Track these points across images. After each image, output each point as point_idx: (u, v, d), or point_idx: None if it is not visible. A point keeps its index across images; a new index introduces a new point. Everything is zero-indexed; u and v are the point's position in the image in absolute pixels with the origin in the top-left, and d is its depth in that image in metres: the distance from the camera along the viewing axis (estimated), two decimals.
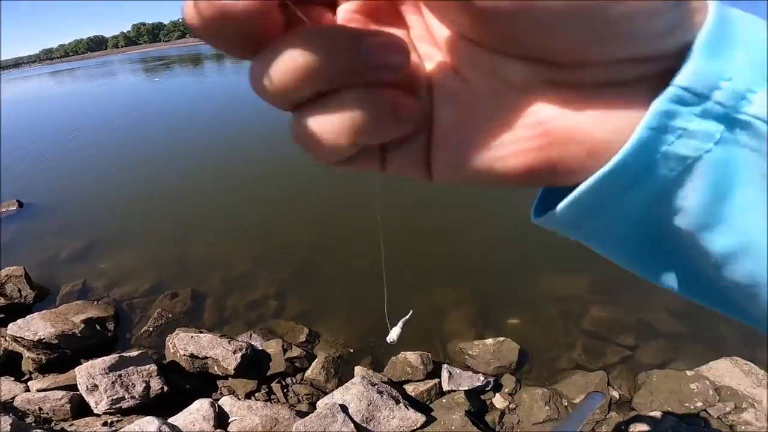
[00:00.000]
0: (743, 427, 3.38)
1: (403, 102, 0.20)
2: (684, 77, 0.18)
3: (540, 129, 0.20)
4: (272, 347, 4.03)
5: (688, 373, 3.89)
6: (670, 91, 0.18)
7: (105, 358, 3.41)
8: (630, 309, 5.01)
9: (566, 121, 0.19)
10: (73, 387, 3.36)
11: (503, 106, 0.20)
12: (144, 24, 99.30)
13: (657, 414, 3.37)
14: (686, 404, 3.59)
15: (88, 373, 3.28)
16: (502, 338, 4.21)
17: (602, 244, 0.28)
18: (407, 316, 3.09)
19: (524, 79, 0.20)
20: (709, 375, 3.88)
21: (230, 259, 5.55)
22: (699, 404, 3.56)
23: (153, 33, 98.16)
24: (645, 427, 3.25)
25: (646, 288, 5.43)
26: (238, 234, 6.20)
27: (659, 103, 0.18)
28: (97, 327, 4.26)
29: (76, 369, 3.36)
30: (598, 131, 0.19)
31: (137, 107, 15.94)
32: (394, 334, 3.36)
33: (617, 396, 3.81)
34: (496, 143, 0.20)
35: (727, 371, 3.85)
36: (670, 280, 0.28)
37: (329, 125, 0.19)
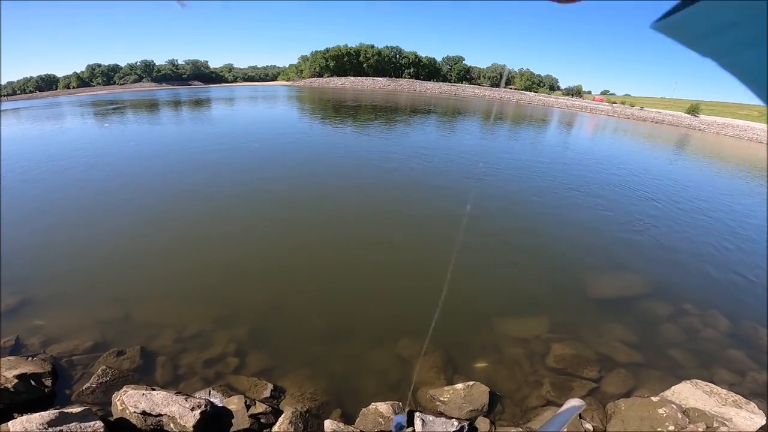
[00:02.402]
0: None
1: None
2: None
3: None
4: (234, 403, 3.76)
5: (654, 399, 4.02)
6: None
7: (43, 413, 3.08)
8: (588, 344, 5.28)
9: None
10: None
11: None
12: (99, 65, 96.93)
13: None
14: (659, 429, 3.68)
15: (24, 427, 2.94)
16: (471, 382, 4.22)
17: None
18: None
19: None
20: (674, 399, 4.05)
21: (182, 318, 5.28)
22: (671, 428, 3.67)
23: (108, 75, 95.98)
24: None
25: (597, 322, 5.78)
26: (189, 295, 5.95)
27: None
28: (32, 383, 3.87)
29: (10, 423, 3.01)
30: None
31: (81, 155, 15.23)
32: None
33: (591, 428, 3.86)
34: None
35: (690, 393, 4.03)
36: None
37: None
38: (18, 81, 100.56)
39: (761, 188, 17.55)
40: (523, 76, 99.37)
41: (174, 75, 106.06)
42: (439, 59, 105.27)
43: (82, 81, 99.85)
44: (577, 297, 6.48)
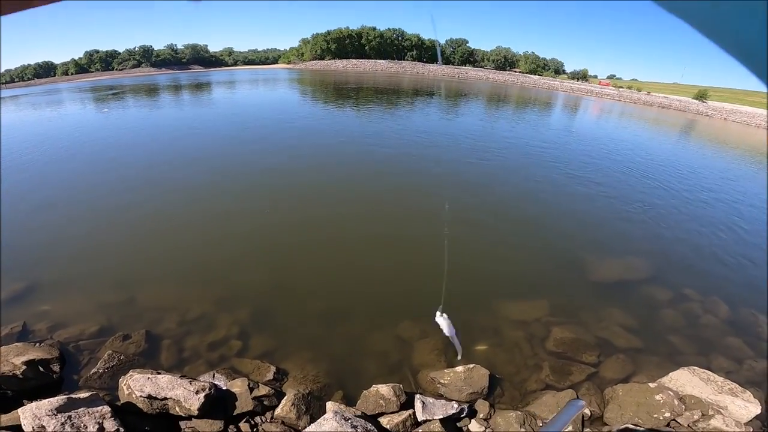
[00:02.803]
0: None
1: None
2: None
3: None
4: (237, 386, 3.83)
5: (651, 385, 4.06)
6: None
7: (51, 399, 3.13)
8: (588, 328, 5.31)
9: None
10: (17, 428, 3.06)
11: None
12: (97, 51, 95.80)
13: (629, 427, 3.47)
14: (655, 415, 3.72)
15: (33, 414, 3.00)
16: (471, 365, 4.26)
17: None
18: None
19: None
20: (671, 385, 4.08)
21: (186, 301, 5.34)
22: (667, 414, 3.70)
23: (106, 60, 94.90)
24: None
25: (598, 306, 5.80)
26: (192, 278, 6.01)
27: None
28: (41, 368, 3.93)
29: (20, 410, 3.06)
30: None
31: (83, 141, 15.19)
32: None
33: (588, 413, 3.92)
34: None
35: (687, 380, 4.05)
36: None
37: None
38: (15, 69, 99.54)
39: (762, 172, 17.41)
40: (528, 59, 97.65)
41: (173, 60, 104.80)
42: (442, 42, 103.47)
43: (81, 67, 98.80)
44: (577, 280, 6.49)
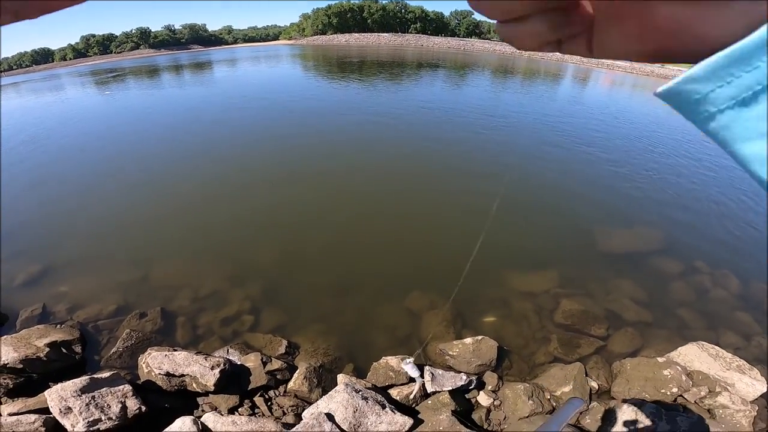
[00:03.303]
0: (721, 411, 3.53)
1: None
2: None
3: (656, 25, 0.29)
4: (251, 361, 3.93)
5: (660, 359, 4.05)
6: None
7: (75, 380, 3.25)
8: (597, 300, 5.29)
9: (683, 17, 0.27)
10: (44, 410, 3.20)
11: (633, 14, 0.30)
12: (93, 35, 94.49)
13: (636, 402, 3.49)
14: (662, 390, 3.72)
15: (59, 395, 3.12)
16: (480, 337, 4.29)
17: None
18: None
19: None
20: (680, 360, 4.06)
21: (198, 278, 5.42)
22: (674, 390, 3.70)
23: (103, 44, 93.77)
24: (627, 415, 3.33)
25: (607, 278, 5.77)
26: (203, 254, 6.07)
27: None
28: (63, 350, 4.05)
29: (46, 392, 3.19)
30: (712, 30, 0.27)
31: (87, 123, 15.19)
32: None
33: (596, 386, 3.95)
34: (629, 35, 0.31)
35: (696, 356, 4.02)
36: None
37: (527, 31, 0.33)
38: (13, 56, 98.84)
39: None
40: None
41: (172, 40, 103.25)
42: (447, 14, 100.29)
43: (78, 52, 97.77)
44: (586, 251, 6.45)
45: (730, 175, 10.94)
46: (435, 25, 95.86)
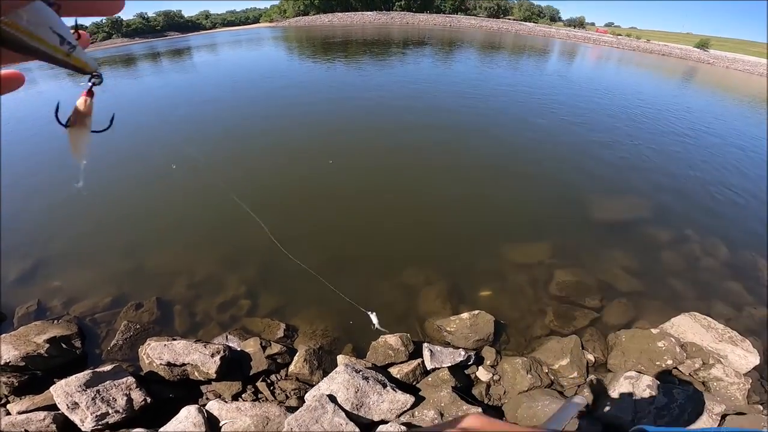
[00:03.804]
0: (715, 383, 3.60)
1: None
2: None
3: None
4: (251, 346, 3.94)
5: (653, 331, 4.10)
6: None
7: (78, 375, 3.24)
8: (590, 270, 5.36)
9: None
10: (52, 407, 3.20)
11: None
12: None
13: (632, 374, 3.53)
14: (657, 363, 3.78)
15: (64, 391, 3.12)
16: (476, 311, 4.31)
17: None
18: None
19: None
20: (673, 332, 4.12)
21: (192, 264, 5.36)
22: (669, 362, 3.76)
23: None
24: (624, 388, 3.40)
25: (599, 247, 5.84)
26: (195, 240, 6.01)
27: None
28: (63, 345, 4.02)
29: (51, 389, 3.18)
30: None
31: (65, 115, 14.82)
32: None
33: (593, 359, 4.00)
34: None
35: (689, 327, 4.08)
36: None
37: None
38: None
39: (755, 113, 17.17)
40: (522, 6, 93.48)
41: (146, 28, 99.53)
42: None
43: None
44: (578, 221, 6.52)
45: (710, 143, 11.12)
46: (420, 1, 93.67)
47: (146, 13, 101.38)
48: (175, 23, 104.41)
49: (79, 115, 0.45)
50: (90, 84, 0.42)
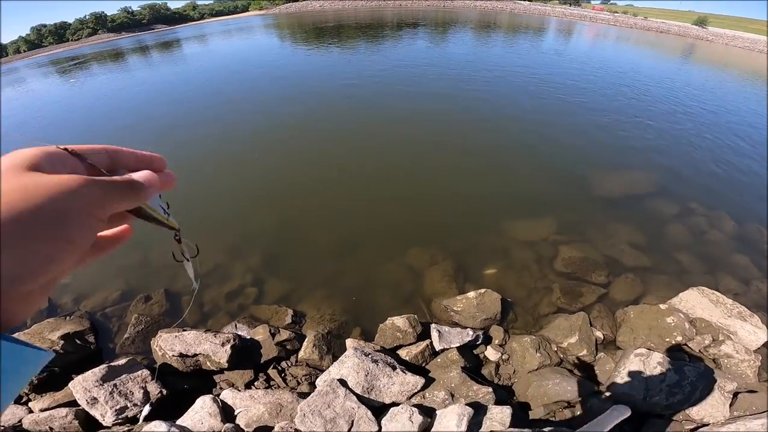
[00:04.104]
0: (726, 360, 3.54)
1: None
2: None
3: None
4: (260, 334, 3.95)
5: (662, 306, 4.04)
6: None
7: (94, 370, 3.27)
8: (596, 245, 5.31)
9: None
10: (73, 403, 3.24)
11: None
12: (45, 25, 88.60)
13: (642, 351, 3.48)
14: (667, 339, 3.73)
15: (83, 387, 3.15)
16: (483, 290, 4.27)
17: None
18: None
19: None
20: (681, 307, 4.06)
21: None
22: (679, 338, 3.71)
23: (58, 33, 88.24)
24: (635, 366, 3.36)
25: (604, 222, 5.80)
26: (199, 228, 5.96)
27: None
28: (77, 341, 4.04)
29: (70, 385, 3.22)
30: None
31: (60, 111, 14.62)
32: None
33: (601, 336, 3.96)
34: None
35: (697, 302, 4.01)
36: None
37: None
38: None
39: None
40: None
41: (132, 22, 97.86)
42: None
43: (32, 44, 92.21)
44: (582, 196, 6.47)
45: (711, 119, 11.02)
46: None
47: (130, 7, 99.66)
48: (161, 16, 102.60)
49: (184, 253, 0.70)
50: (177, 238, 0.65)
